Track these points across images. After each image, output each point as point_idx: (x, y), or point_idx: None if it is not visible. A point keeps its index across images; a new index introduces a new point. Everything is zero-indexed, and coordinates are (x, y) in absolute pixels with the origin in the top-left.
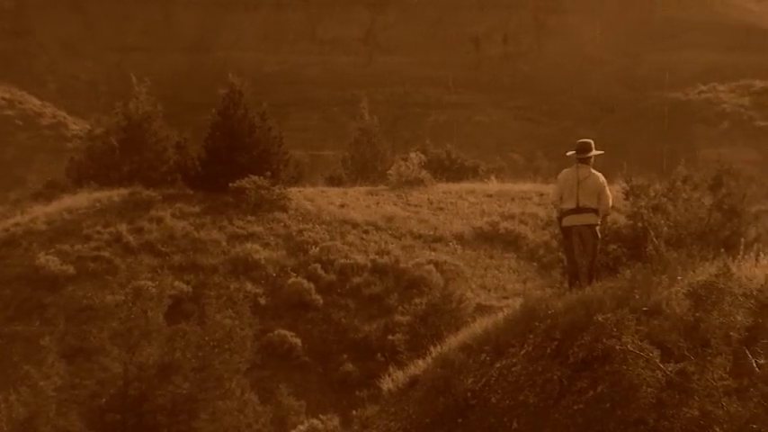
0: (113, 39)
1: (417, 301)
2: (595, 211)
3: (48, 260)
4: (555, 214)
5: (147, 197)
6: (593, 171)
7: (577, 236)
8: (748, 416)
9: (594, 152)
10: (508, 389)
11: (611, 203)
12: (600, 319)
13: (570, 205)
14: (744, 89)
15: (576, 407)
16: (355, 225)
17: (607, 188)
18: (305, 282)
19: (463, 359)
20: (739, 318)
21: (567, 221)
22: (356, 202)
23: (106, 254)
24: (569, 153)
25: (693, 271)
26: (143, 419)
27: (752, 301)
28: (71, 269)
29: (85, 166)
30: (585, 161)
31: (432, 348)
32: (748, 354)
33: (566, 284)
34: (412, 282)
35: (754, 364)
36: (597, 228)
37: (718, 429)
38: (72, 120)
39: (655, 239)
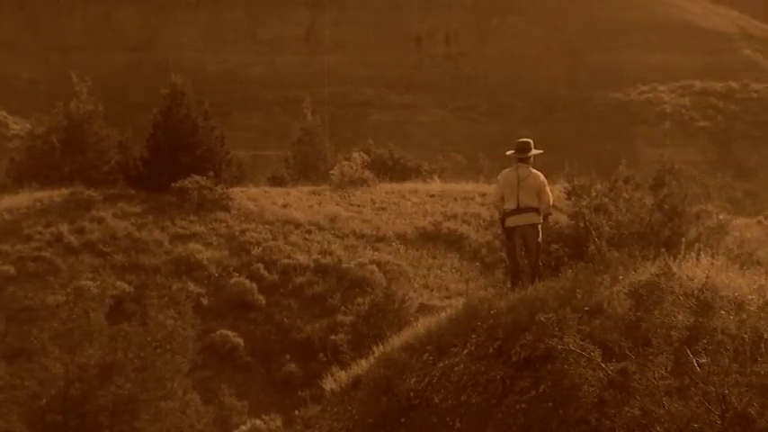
0: (55, 38)
1: (360, 300)
2: (537, 211)
3: None
4: (497, 215)
5: (88, 197)
6: (533, 170)
7: (520, 236)
8: (689, 415)
9: (534, 151)
10: (451, 388)
11: (551, 202)
12: (542, 318)
13: (511, 205)
14: (684, 90)
15: (518, 406)
16: (298, 225)
17: (547, 187)
18: (247, 282)
19: (406, 359)
20: (680, 317)
21: (510, 222)
22: (299, 201)
23: (47, 254)
24: (509, 153)
25: (635, 271)
26: (84, 420)
27: (693, 301)
28: (12, 269)
29: (26, 166)
30: (525, 161)
31: (374, 348)
32: (689, 353)
33: (508, 284)
34: (355, 282)
35: (695, 364)
36: (539, 227)
37: (659, 428)
38: (12, 119)
39: (596, 239)
